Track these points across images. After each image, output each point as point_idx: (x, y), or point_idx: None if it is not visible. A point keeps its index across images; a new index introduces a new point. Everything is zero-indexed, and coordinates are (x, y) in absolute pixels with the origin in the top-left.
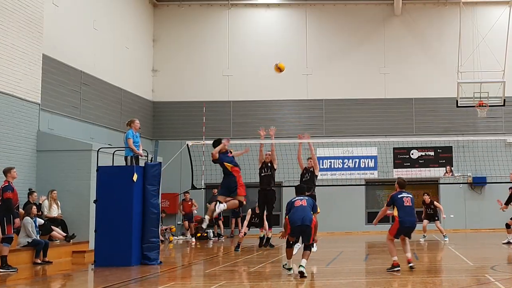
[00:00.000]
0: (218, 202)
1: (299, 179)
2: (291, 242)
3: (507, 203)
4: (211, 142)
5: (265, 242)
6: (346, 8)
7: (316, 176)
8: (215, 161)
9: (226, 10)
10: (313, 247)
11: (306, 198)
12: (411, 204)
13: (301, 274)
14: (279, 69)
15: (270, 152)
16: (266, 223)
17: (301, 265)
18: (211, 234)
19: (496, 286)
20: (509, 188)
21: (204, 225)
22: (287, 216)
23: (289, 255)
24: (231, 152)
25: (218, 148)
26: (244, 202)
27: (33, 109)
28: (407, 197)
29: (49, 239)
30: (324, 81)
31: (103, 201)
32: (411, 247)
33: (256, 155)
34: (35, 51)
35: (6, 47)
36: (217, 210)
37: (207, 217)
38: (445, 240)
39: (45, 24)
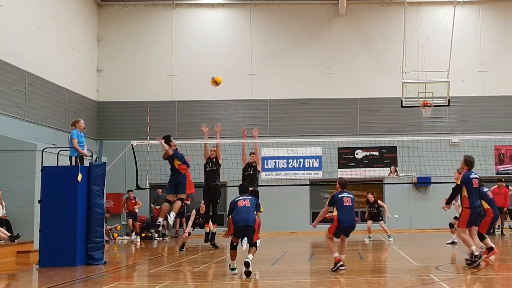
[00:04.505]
0: (169, 211)
1: (242, 173)
2: (234, 244)
3: (448, 203)
4: (155, 142)
5: (210, 237)
6: (290, 8)
7: (259, 171)
8: (168, 157)
9: (170, 10)
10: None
11: (250, 198)
12: (351, 204)
13: (247, 265)
14: (216, 82)
15: (215, 148)
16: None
17: (247, 258)
18: (155, 234)
19: (440, 286)
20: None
21: (169, 220)
22: (230, 216)
23: (233, 257)
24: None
25: (171, 147)
26: (189, 202)
27: None
28: (347, 197)
29: None
30: (269, 81)
31: (48, 201)
32: (356, 247)
33: (200, 155)
34: None
35: None
36: (170, 222)
37: (161, 219)
38: (390, 240)
39: None
